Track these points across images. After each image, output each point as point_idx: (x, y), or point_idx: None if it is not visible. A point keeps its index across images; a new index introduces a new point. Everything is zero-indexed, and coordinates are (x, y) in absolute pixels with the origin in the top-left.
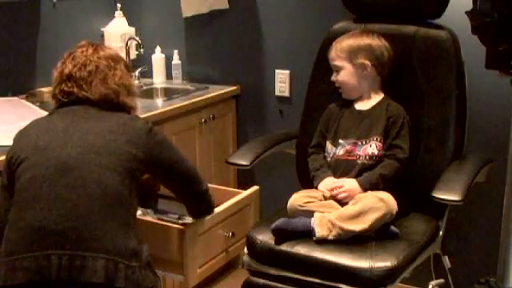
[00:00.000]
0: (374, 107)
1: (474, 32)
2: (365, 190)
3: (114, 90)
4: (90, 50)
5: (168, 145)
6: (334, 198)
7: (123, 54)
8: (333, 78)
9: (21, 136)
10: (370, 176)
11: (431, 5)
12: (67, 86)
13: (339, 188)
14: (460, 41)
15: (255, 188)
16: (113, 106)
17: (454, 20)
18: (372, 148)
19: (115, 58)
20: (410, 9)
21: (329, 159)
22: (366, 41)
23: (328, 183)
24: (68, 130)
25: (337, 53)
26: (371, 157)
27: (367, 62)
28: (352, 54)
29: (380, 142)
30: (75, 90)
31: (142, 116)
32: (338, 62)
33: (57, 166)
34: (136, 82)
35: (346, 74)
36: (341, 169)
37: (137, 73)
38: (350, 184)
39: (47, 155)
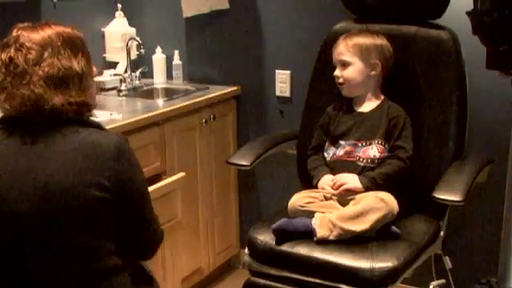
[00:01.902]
0: (374, 109)
1: (474, 32)
2: (365, 186)
3: (34, 94)
4: (14, 40)
5: (137, 173)
6: (335, 194)
7: (124, 55)
8: (336, 72)
9: None
10: (370, 173)
11: (432, 5)
12: None
13: (341, 179)
14: (460, 41)
15: (181, 174)
16: (52, 116)
17: (454, 20)
18: (374, 151)
19: (45, 41)
20: (410, 9)
21: (328, 159)
22: (378, 41)
23: (327, 179)
24: (16, 170)
25: (347, 47)
26: (373, 160)
27: (378, 63)
28: (365, 52)
29: (382, 144)
30: (1, 97)
31: (143, 116)
32: (347, 57)
33: (13, 227)
34: (137, 82)
35: (354, 71)
36: (341, 169)
37: (137, 73)
38: (349, 175)
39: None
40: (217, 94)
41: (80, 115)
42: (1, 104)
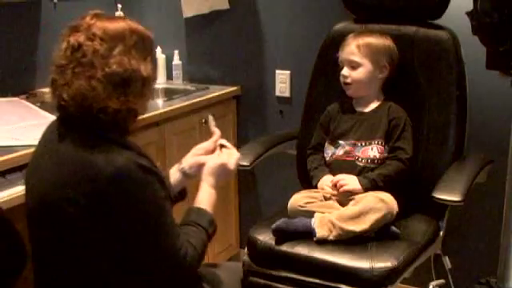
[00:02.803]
0: (375, 109)
1: (474, 32)
2: (365, 187)
3: (92, 89)
4: (86, 27)
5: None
6: (335, 195)
7: None
8: (345, 72)
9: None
10: (370, 174)
11: (432, 5)
12: (50, 82)
13: (340, 180)
14: (460, 41)
15: None
16: (89, 114)
17: (454, 20)
18: (373, 151)
19: (118, 35)
20: (410, 9)
21: (328, 159)
22: (387, 42)
23: (327, 180)
24: (36, 167)
25: (359, 48)
26: (373, 160)
27: (387, 66)
28: (376, 54)
29: (381, 145)
30: (52, 88)
31: (143, 116)
32: (357, 58)
33: (28, 221)
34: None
35: (363, 72)
36: (340, 169)
37: None
38: (349, 177)
39: (26, 201)
40: (216, 94)
41: (120, 122)
42: (58, 88)
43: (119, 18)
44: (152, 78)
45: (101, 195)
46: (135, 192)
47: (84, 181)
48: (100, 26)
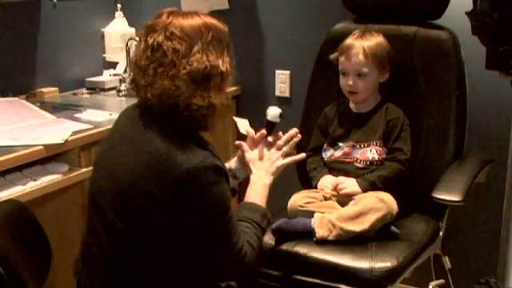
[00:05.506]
0: (372, 110)
1: (474, 32)
2: (364, 189)
3: (177, 88)
4: (162, 26)
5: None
6: (334, 195)
7: (123, 55)
8: (351, 82)
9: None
10: (369, 176)
11: (431, 5)
12: (131, 81)
13: (340, 184)
14: (460, 41)
15: None
16: (174, 111)
17: (454, 20)
18: (372, 153)
19: (195, 32)
20: (410, 9)
21: (326, 160)
22: (383, 41)
23: (327, 181)
24: (111, 148)
25: (367, 58)
26: (372, 162)
27: (389, 69)
28: (381, 61)
29: (380, 146)
30: (134, 88)
31: None
32: (366, 68)
33: (91, 198)
34: None
35: (370, 81)
36: (339, 171)
37: None
38: (349, 180)
39: (92, 180)
40: None
41: (201, 119)
42: (141, 88)
43: (194, 13)
44: (230, 72)
45: (175, 190)
46: (207, 190)
47: (160, 174)
48: (177, 24)
